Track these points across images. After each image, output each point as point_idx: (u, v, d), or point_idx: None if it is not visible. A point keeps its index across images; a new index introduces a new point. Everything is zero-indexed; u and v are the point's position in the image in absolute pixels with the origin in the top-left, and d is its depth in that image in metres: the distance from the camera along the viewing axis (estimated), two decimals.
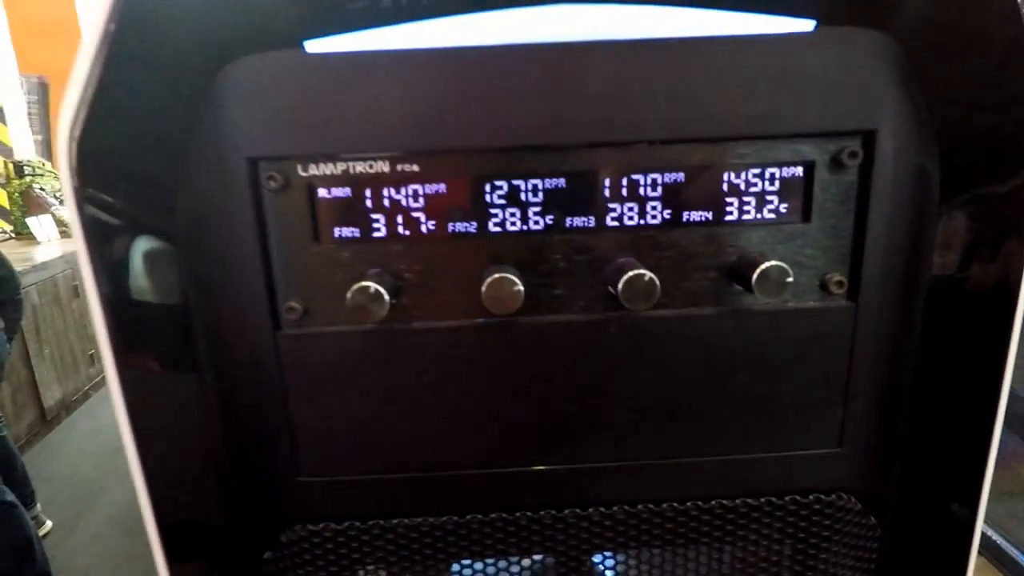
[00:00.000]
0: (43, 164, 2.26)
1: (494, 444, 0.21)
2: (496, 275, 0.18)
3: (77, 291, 1.94)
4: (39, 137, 2.43)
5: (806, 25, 0.18)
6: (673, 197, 0.19)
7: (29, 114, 2.41)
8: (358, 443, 0.21)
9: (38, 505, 1.32)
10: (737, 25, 0.18)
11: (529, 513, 0.22)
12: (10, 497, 1.02)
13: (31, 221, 2.07)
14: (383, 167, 0.19)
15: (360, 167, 0.19)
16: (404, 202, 0.19)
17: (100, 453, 1.76)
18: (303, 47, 0.17)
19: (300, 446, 0.21)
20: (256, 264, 0.19)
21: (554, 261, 0.19)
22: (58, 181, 1.61)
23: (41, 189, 2.18)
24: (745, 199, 0.20)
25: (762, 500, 0.22)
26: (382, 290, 0.18)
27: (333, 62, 0.17)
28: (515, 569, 0.23)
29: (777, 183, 0.20)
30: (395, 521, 0.22)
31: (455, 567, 0.24)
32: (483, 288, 0.18)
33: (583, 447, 0.21)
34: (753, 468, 0.22)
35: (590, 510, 0.22)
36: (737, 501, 0.22)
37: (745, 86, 0.18)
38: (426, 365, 0.20)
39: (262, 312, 0.19)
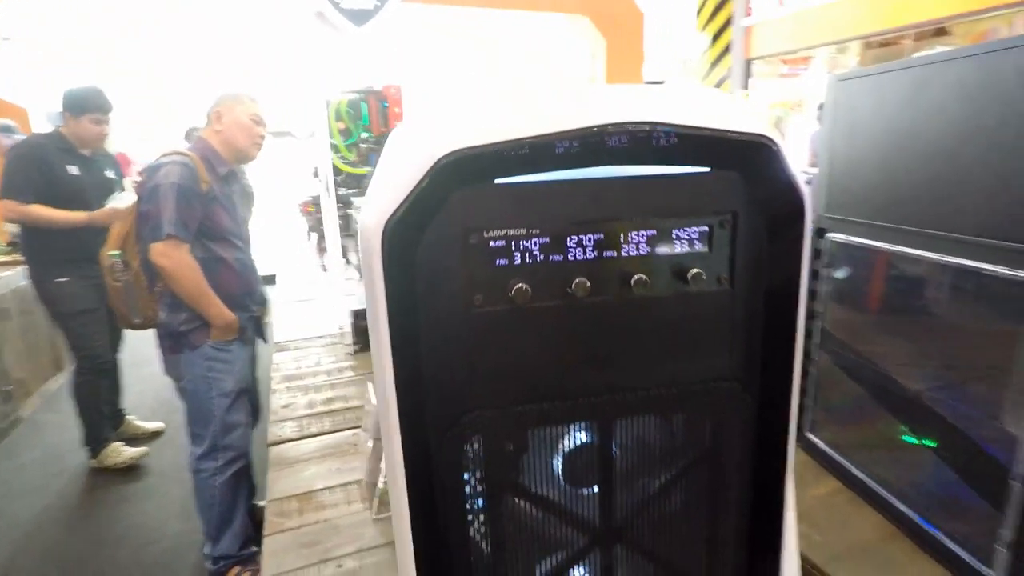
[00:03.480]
0: None
1: (569, 365, 0.43)
2: (578, 279, 0.39)
3: None
4: None
5: (706, 169, 0.41)
6: (650, 242, 0.42)
7: None
8: (505, 368, 0.42)
9: None
10: (675, 168, 0.41)
11: (582, 400, 0.43)
12: None
13: None
14: (521, 232, 0.40)
15: (512, 232, 0.40)
16: (529, 247, 0.40)
17: None
18: (493, 182, 0.38)
19: (476, 371, 0.42)
20: (461, 276, 0.40)
21: (599, 271, 0.42)
22: None
23: None
24: (683, 241, 0.42)
25: (694, 385, 0.44)
26: (525, 287, 0.39)
27: (505, 187, 0.39)
28: (579, 432, 0.45)
29: (697, 234, 0.42)
30: (520, 408, 0.43)
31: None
32: (572, 285, 0.39)
33: (609, 363, 0.43)
34: (689, 369, 0.44)
35: (609, 396, 0.44)
36: (682, 387, 0.45)
37: (681, 194, 0.41)
38: (541, 325, 0.41)
39: (461, 301, 0.40)
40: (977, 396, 0.98)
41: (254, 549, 1.72)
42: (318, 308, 2.74)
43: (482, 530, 0.44)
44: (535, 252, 0.40)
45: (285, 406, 1.71)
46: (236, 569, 1.68)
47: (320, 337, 2.33)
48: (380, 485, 1.17)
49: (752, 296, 0.44)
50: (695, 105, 0.39)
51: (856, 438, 1.20)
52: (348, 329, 2.17)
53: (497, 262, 0.40)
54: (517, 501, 0.45)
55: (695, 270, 0.41)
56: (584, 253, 0.41)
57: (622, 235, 0.41)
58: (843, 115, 1.17)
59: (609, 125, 0.36)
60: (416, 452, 0.41)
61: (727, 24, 6.58)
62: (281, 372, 1.97)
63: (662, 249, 0.42)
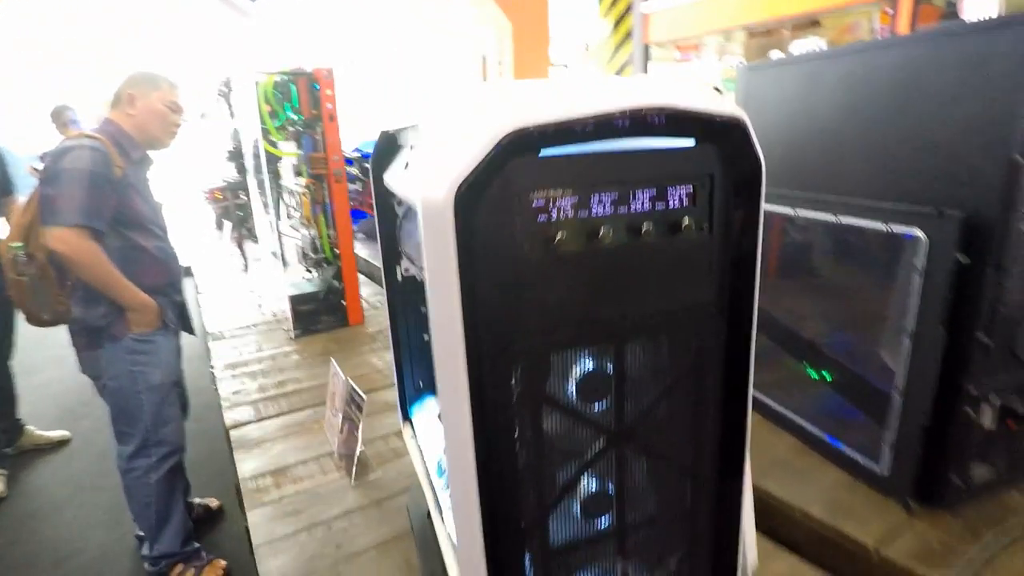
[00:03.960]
0: None
1: (594, 299, 0.54)
2: (603, 228, 0.50)
3: None
4: None
5: (691, 142, 0.53)
6: (652, 199, 0.53)
7: None
8: (546, 303, 0.52)
9: None
10: (670, 142, 0.52)
11: (605, 325, 0.54)
12: None
13: None
14: (557, 192, 0.50)
15: (551, 193, 0.50)
16: (563, 205, 0.50)
17: None
18: (539, 154, 0.48)
19: (522, 307, 0.51)
20: (511, 231, 0.49)
21: (616, 223, 0.52)
22: None
23: None
24: (675, 198, 0.54)
25: (684, 311, 0.57)
26: (563, 236, 0.49)
27: (545, 158, 0.48)
28: (593, 358, 0.56)
29: (685, 192, 0.54)
30: (558, 334, 0.53)
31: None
32: (599, 234, 0.50)
33: (623, 296, 0.55)
34: (680, 299, 0.57)
35: (624, 321, 0.55)
36: (676, 313, 0.57)
37: (674, 161, 0.53)
38: (574, 268, 0.52)
39: (511, 251, 0.49)
40: (860, 338, 1.20)
41: (196, 545, 1.71)
42: (242, 297, 2.67)
43: (525, 437, 0.55)
44: (567, 209, 0.51)
45: (236, 392, 1.70)
46: (179, 567, 1.67)
47: (255, 326, 2.30)
48: (358, 453, 1.24)
49: (725, 241, 0.56)
50: (685, 93, 0.51)
51: (772, 378, 1.41)
52: (287, 316, 2.16)
53: (539, 218, 0.50)
54: (550, 412, 0.55)
55: (686, 220, 0.53)
56: (604, 209, 0.52)
57: (631, 194, 0.52)
58: (752, 99, 1.36)
59: (628, 110, 0.47)
60: (474, 375, 0.51)
61: (627, 11, 6.91)
62: (223, 360, 1.94)
63: (660, 204, 0.54)
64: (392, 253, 1.14)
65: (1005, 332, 0.98)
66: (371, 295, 2.58)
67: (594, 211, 0.52)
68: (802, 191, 1.26)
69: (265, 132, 2.04)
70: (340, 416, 1.34)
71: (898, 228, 1.03)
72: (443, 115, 0.54)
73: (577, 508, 0.60)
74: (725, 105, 0.51)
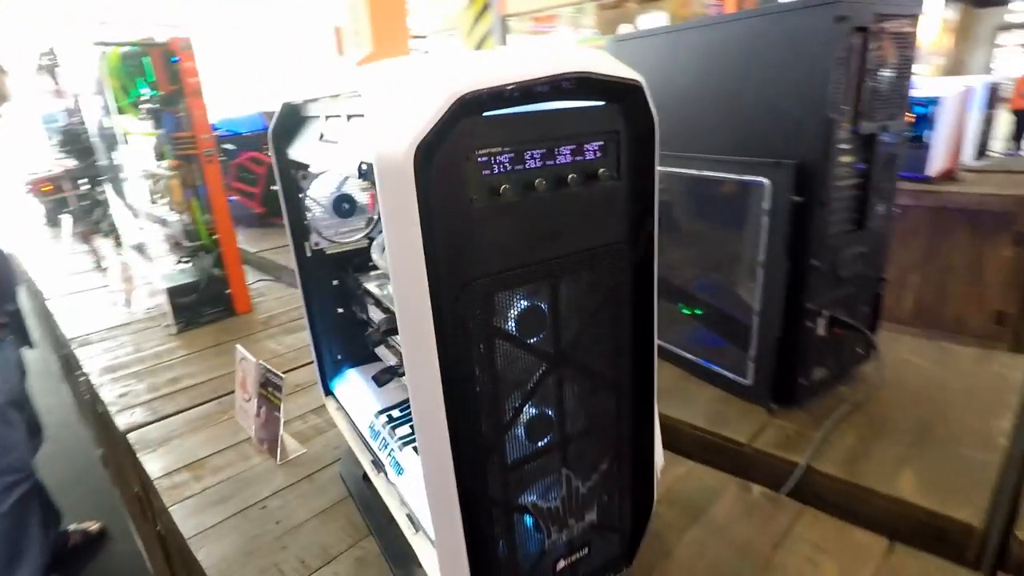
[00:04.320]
0: None
1: (533, 242, 0.62)
2: (537, 180, 0.58)
3: None
4: None
5: (603, 103, 0.62)
6: (572, 153, 0.62)
7: None
8: (493, 247, 0.59)
9: None
10: (586, 103, 0.61)
11: (543, 263, 0.63)
12: None
13: None
14: (497, 150, 0.57)
15: (493, 150, 0.56)
16: (503, 161, 0.57)
17: None
18: (482, 114, 0.54)
19: (473, 251, 0.58)
20: (461, 184, 0.55)
21: (546, 175, 0.61)
22: None
23: None
24: (591, 151, 0.64)
25: (603, 247, 0.67)
26: (507, 187, 0.56)
27: (488, 120, 0.55)
28: (526, 298, 0.65)
29: (598, 146, 0.64)
30: (507, 273, 0.60)
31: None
32: (535, 185, 0.58)
33: (556, 237, 0.63)
34: (599, 237, 0.67)
35: (560, 259, 0.64)
36: (597, 249, 0.67)
37: (589, 119, 0.62)
38: (515, 215, 0.59)
39: (464, 200, 0.56)
40: (722, 278, 1.41)
41: None
42: (101, 298, 2.42)
43: (482, 367, 0.62)
44: (506, 164, 0.58)
45: (122, 395, 1.58)
46: None
47: (125, 325, 2.11)
48: (281, 433, 1.23)
49: (632, 187, 0.67)
50: (598, 60, 0.60)
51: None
52: (165, 310, 2.01)
53: (483, 172, 0.57)
54: (500, 344, 0.63)
55: (602, 169, 0.63)
56: (535, 163, 0.60)
57: (556, 149, 0.61)
58: None
59: (557, 75, 0.55)
60: (436, 317, 0.57)
61: None
62: (97, 365, 1.77)
63: (579, 157, 0.63)
64: (299, 228, 1.14)
65: (830, 256, 1.22)
66: (251, 282, 2.46)
67: (528, 164, 0.59)
68: (669, 151, 1.43)
69: (116, 111, 1.85)
70: (254, 401, 1.31)
71: (748, 178, 1.23)
72: (391, 83, 0.58)
73: (524, 429, 0.69)
74: (628, 71, 0.61)
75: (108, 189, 2.25)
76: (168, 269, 2.14)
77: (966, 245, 3.00)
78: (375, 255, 1.02)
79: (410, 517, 0.94)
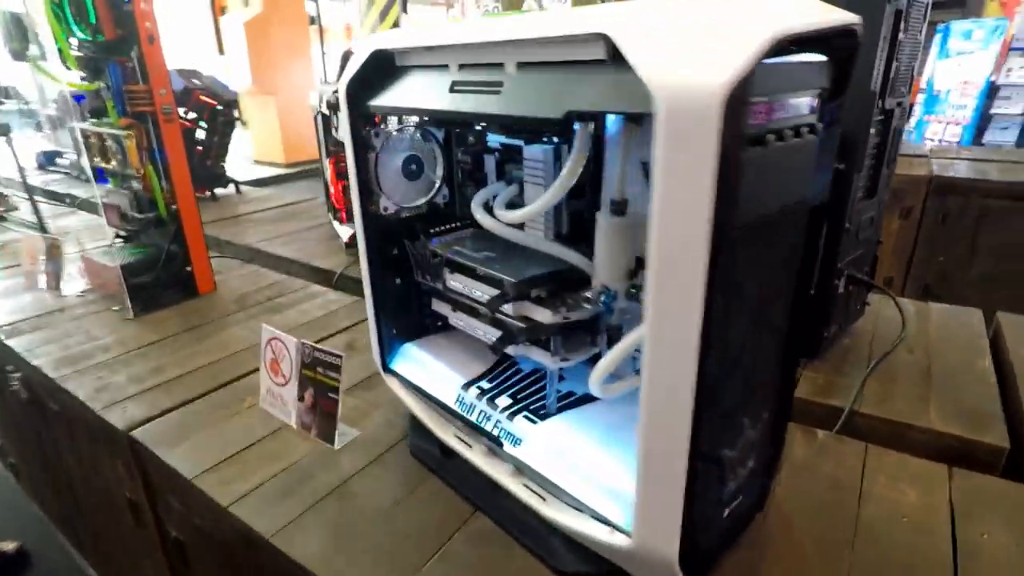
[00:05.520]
0: None
1: (774, 191, 0.62)
2: (785, 128, 0.59)
3: None
4: None
5: (823, 56, 0.63)
6: (806, 107, 0.63)
7: None
8: (749, 194, 0.58)
9: None
10: None
11: (780, 212, 0.64)
12: None
13: None
14: (763, 99, 0.56)
15: (759, 98, 0.56)
16: (762, 109, 0.57)
17: None
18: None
19: (741, 196, 0.57)
20: (742, 132, 0.54)
21: (785, 125, 0.61)
22: None
23: None
24: (810, 104, 0.65)
25: (807, 198, 0.69)
26: (771, 136, 0.56)
27: (761, 68, 0.54)
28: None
29: (818, 101, 0.65)
30: (752, 226, 0.60)
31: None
32: (782, 135, 0.58)
33: (786, 188, 0.64)
34: (807, 188, 0.69)
35: (788, 206, 0.65)
36: (805, 198, 0.69)
37: (817, 74, 0.63)
38: (767, 163, 0.59)
39: (741, 147, 0.55)
40: None
41: None
42: (15, 280, 2.05)
43: (727, 323, 0.62)
44: (766, 113, 0.58)
45: (100, 390, 1.36)
46: None
47: (59, 311, 1.80)
48: (340, 415, 1.13)
49: (834, 139, 0.70)
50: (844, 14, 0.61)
51: None
52: (114, 292, 1.74)
53: (752, 120, 0.56)
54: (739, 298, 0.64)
55: (817, 124, 0.65)
56: (784, 113, 0.60)
57: (794, 101, 0.62)
58: None
59: (843, 24, 0.56)
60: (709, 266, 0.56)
61: None
62: (49, 357, 1.50)
63: (806, 110, 0.64)
64: (367, 191, 1.05)
65: (856, 220, 1.34)
66: None
67: (774, 116, 0.59)
68: None
69: (49, 57, 1.55)
70: (294, 384, 1.19)
71: None
72: (655, 26, 0.55)
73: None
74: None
75: (26, 150, 1.88)
76: (107, 245, 1.86)
77: None
78: (478, 214, 0.96)
79: (528, 487, 0.92)
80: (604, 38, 0.59)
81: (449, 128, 1.08)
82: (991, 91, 5.13)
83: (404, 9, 8.46)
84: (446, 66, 0.83)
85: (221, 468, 1.09)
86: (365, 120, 1.00)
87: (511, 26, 0.70)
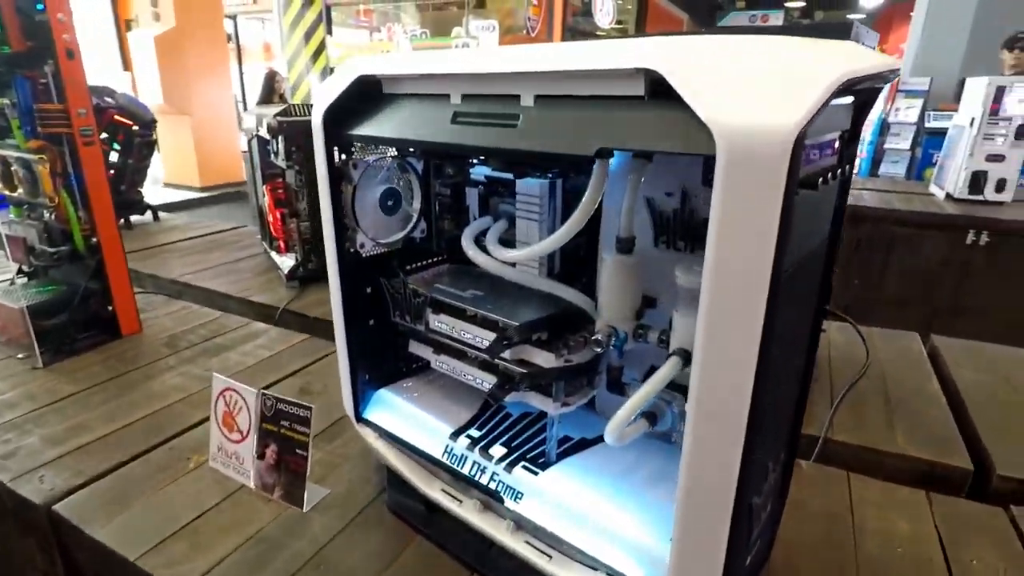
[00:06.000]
0: None
1: (804, 233, 0.60)
2: (824, 173, 0.57)
3: None
4: None
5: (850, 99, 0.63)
6: (829, 148, 0.62)
7: None
8: (796, 235, 0.56)
9: None
10: None
11: (806, 255, 0.62)
12: None
13: None
14: (813, 140, 0.55)
15: (810, 140, 0.54)
16: (810, 153, 0.55)
17: None
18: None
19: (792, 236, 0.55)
20: (797, 173, 0.52)
21: (816, 170, 0.60)
22: None
23: None
24: (832, 148, 0.64)
25: (825, 239, 0.68)
26: (822, 179, 0.55)
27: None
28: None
29: (840, 143, 0.65)
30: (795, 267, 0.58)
31: None
32: (826, 178, 0.57)
33: (811, 232, 0.63)
34: (823, 230, 0.68)
35: (811, 249, 0.64)
36: (824, 239, 0.68)
37: (844, 115, 0.63)
38: (808, 205, 0.57)
39: (794, 188, 0.52)
40: None
41: None
42: None
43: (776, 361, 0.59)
44: (810, 155, 0.56)
45: (6, 456, 1.15)
46: None
47: None
48: (308, 473, 1.02)
49: (842, 187, 0.70)
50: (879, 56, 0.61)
51: None
52: (17, 337, 1.52)
53: (804, 162, 0.54)
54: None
55: (840, 168, 0.65)
56: (819, 155, 0.59)
57: (826, 142, 0.61)
58: None
59: (889, 69, 0.55)
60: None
61: None
62: None
63: (828, 151, 0.63)
64: (341, 226, 0.97)
65: None
66: None
67: (818, 157, 0.58)
68: None
69: None
70: (252, 439, 1.06)
71: None
72: (719, 64, 0.52)
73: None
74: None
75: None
76: (9, 282, 1.62)
77: None
78: (470, 251, 0.89)
79: (531, 544, 0.86)
80: (646, 73, 0.55)
81: (435, 160, 1.02)
82: (883, 128, 5.68)
83: (329, 31, 8.29)
84: (445, 96, 0.77)
85: (168, 544, 0.94)
86: (341, 150, 0.92)
87: (529, 57, 0.66)
